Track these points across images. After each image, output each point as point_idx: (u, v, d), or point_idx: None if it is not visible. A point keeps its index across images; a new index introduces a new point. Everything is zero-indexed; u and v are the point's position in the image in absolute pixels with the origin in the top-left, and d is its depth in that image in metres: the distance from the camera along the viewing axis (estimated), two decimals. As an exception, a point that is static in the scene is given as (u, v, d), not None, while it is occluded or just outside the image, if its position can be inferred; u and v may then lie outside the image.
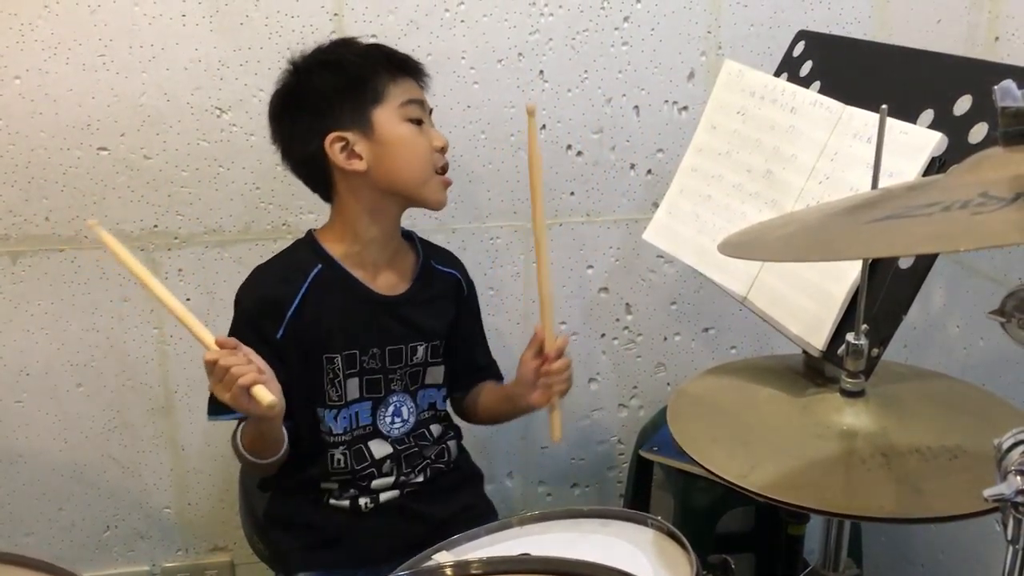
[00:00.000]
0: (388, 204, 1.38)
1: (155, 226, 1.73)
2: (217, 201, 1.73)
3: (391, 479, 1.42)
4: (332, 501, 1.42)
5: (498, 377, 1.60)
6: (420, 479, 1.45)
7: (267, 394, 1.16)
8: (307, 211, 1.75)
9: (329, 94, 1.33)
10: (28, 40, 1.59)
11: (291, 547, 1.45)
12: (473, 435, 1.66)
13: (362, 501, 1.42)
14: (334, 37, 1.37)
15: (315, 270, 1.37)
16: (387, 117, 1.33)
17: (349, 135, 1.32)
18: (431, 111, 1.41)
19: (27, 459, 1.81)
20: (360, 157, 1.33)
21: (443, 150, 1.38)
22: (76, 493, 1.85)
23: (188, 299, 1.77)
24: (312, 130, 1.34)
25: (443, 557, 1.16)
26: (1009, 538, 0.79)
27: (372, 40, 1.42)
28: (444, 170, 1.39)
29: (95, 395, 1.80)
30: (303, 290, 1.36)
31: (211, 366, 1.17)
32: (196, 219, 1.74)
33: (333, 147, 1.32)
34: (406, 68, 1.38)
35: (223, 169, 1.72)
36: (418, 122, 1.35)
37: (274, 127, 1.39)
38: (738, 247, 0.88)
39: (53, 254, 1.71)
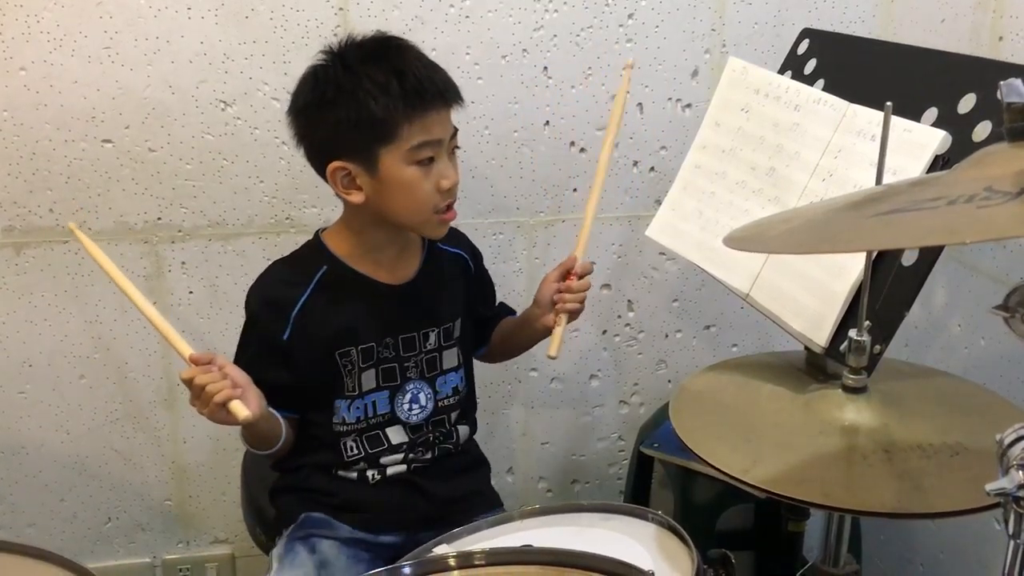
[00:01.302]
0: (389, 224, 1.37)
1: (159, 219, 1.73)
2: (221, 195, 1.74)
3: (400, 455, 1.43)
4: (340, 472, 1.43)
5: (511, 312, 1.64)
6: (428, 456, 1.46)
7: (242, 409, 1.22)
8: (311, 205, 1.75)
9: (340, 124, 1.28)
10: (34, 31, 1.60)
11: (298, 501, 1.45)
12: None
13: (369, 473, 1.43)
14: (339, 32, 1.35)
15: (320, 271, 1.38)
16: (394, 159, 1.28)
17: (352, 167, 1.30)
18: (455, 133, 1.34)
19: (29, 450, 1.81)
20: (360, 189, 1.31)
21: (450, 190, 1.33)
22: (78, 484, 1.85)
23: (191, 292, 1.78)
24: (319, 149, 1.32)
25: (443, 550, 1.17)
26: (1010, 533, 0.79)
27: (409, 49, 1.34)
28: (449, 207, 1.35)
29: (97, 387, 1.80)
30: (308, 292, 1.37)
31: (187, 383, 1.23)
32: (200, 212, 1.74)
33: (334, 175, 1.31)
34: (428, 101, 1.29)
35: (227, 163, 1.72)
36: (430, 159, 1.30)
37: (290, 121, 1.36)
38: (743, 241, 0.89)
39: (57, 245, 1.71)
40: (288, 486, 1.48)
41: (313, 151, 1.34)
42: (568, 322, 1.45)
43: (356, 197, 1.32)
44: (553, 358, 1.42)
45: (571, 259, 1.46)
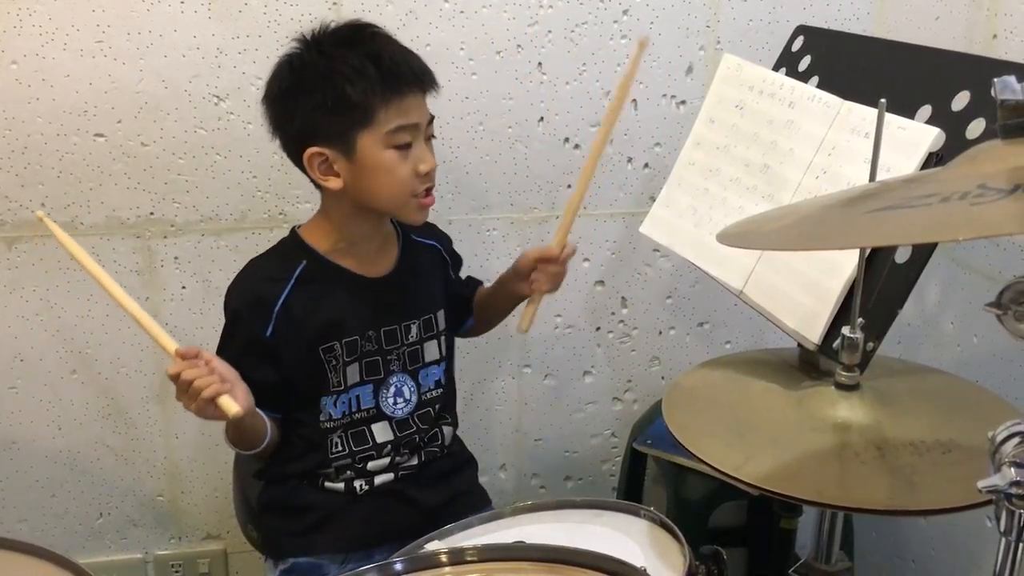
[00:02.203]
0: (368, 212, 1.37)
1: (151, 214, 1.72)
2: (214, 189, 1.73)
3: (386, 461, 1.43)
4: (328, 484, 1.42)
5: (479, 283, 1.65)
6: (414, 462, 1.45)
7: (232, 405, 1.20)
8: (304, 200, 1.75)
9: (317, 109, 1.28)
10: (26, 25, 1.59)
11: (284, 532, 1.45)
12: (467, 427, 1.66)
13: (357, 483, 1.42)
14: (307, 34, 1.33)
15: (300, 266, 1.37)
16: (371, 143, 1.28)
17: (329, 152, 1.29)
18: (431, 120, 1.35)
19: (20, 446, 1.80)
20: (337, 175, 1.31)
21: (428, 175, 1.33)
22: (69, 480, 1.85)
23: (183, 287, 1.77)
24: (296, 136, 1.31)
25: (435, 547, 1.16)
26: (1002, 530, 0.79)
27: (382, 35, 1.35)
28: (428, 192, 1.34)
29: (89, 382, 1.80)
30: (289, 287, 1.36)
31: (174, 379, 1.20)
32: (192, 207, 1.73)
33: (311, 162, 1.30)
34: (405, 84, 1.29)
35: (220, 157, 1.71)
36: (407, 144, 1.30)
37: (265, 110, 1.35)
38: (737, 237, 0.89)
39: (48, 240, 1.70)
40: (274, 502, 1.47)
41: (289, 138, 1.33)
42: (544, 294, 1.48)
43: (334, 183, 1.31)
44: (524, 331, 1.46)
45: (549, 250, 1.46)
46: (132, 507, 1.90)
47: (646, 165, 1.86)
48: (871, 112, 1.18)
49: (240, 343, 1.37)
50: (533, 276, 1.47)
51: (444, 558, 1.07)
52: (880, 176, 1.07)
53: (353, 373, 1.39)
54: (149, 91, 1.66)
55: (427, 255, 1.50)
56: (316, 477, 1.43)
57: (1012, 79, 0.78)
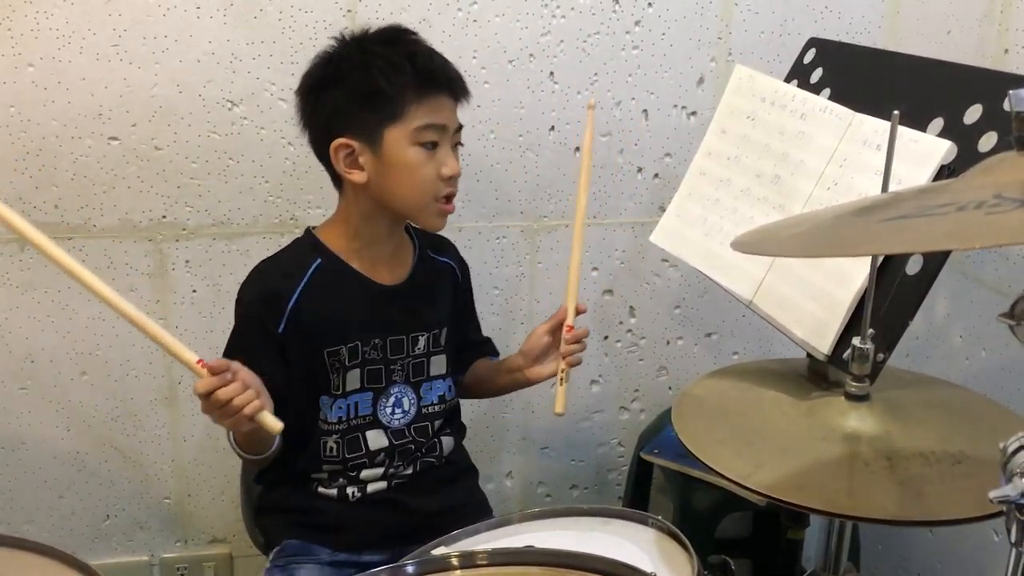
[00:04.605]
0: (387, 213, 1.38)
1: (164, 217, 1.73)
2: (226, 194, 1.74)
3: (380, 470, 1.42)
4: (320, 489, 1.42)
5: (494, 353, 1.62)
6: (409, 472, 1.44)
7: (275, 421, 1.18)
8: (315, 206, 1.75)
9: (349, 99, 1.30)
10: (43, 28, 1.60)
11: (280, 525, 1.45)
12: (474, 434, 1.66)
13: (349, 490, 1.41)
14: (348, 33, 1.36)
15: (315, 264, 1.37)
16: (398, 138, 1.30)
17: (356, 145, 1.31)
18: (459, 128, 1.37)
19: (29, 446, 1.81)
20: (362, 169, 1.32)
21: (452, 179, 1.34)
22: (77, 481, 1.85)
23: (194, 291, 1.78)
24: (325, 126, 1.33)
25: (444, 551, 1.16)
26: (1013, 541, 0.79)
27: (421, 41, 1.37)
28: (449, 198, 1.35)
29: (99, 384, 1.80)
30: (303, 284, 1.36)
31: (205, 396, 1.16)
32: (205, 211, 1.74)
33: (337, 153, 1.31)
34: (437, 86, 1.32)
35: (233, 162, 1.72)
36: (433, 144, 1.32)
37: (298, 102, 1.38)
38: (751, 244, 0.89)
39: (61, 242, 1.67)
40: (270, 506, 1.47)
41: (318, 129, 1.35)
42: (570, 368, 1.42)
43: (357, 177, 1.32)
44: (561, 415, 1.37)
45: (562, 311, 1.43)
46: (139, 509, 1.90)
47: (656, 175, 1.87)
48: (882, 124, 1.18)
49: (251, 338, 1.37)
50: (563, 350, 1.41)
51: (455, 561, 1.07)
52: (892, 188, 1.07)
53: (353, 379, 1.39)
54: (164, 95, 1.67)
55: (441, 272, 1.50)
56: (310, 481, 1.43)
57: (1027, 92, 0.79)
